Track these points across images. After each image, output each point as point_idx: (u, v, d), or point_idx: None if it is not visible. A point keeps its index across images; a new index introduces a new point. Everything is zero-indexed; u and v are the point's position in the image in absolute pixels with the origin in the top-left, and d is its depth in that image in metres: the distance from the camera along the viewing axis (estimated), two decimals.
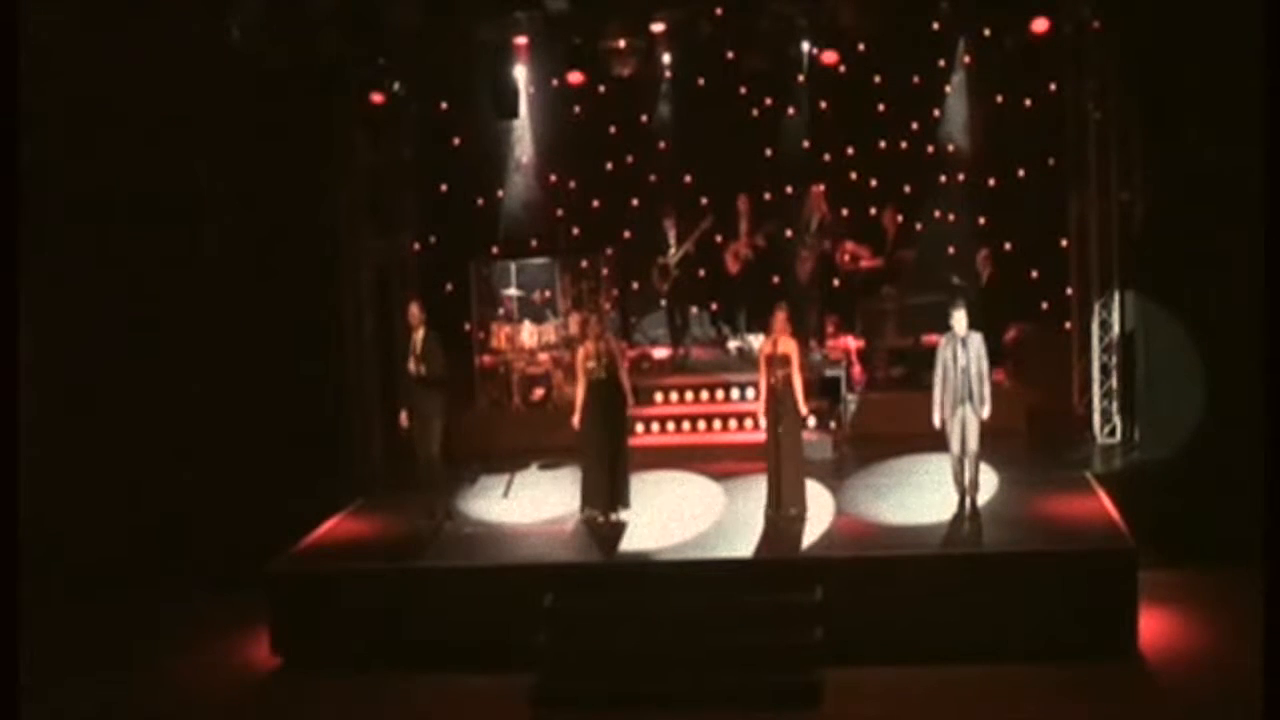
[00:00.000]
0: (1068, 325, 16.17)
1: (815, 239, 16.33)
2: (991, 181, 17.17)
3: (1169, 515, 12.65)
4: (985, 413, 11.96)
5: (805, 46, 15.82)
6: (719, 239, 16.97)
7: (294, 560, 12.25)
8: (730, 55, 16.43)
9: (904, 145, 17.41)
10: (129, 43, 13.97)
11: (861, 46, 16.54)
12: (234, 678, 11.67)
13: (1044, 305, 16.84)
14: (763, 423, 12.28)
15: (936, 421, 12.00)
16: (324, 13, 14.03)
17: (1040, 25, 14.56)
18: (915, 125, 17.33)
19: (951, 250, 16.89)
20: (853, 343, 16.72)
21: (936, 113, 17.11)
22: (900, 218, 16.72)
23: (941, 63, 16.93)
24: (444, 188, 17.71)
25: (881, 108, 17.43)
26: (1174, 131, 13.70)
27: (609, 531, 12.39)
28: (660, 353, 17.22)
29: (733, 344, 16.96)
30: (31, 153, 10.15)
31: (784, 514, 12.16)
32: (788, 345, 12.14)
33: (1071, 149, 15.71)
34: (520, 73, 15.72)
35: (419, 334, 12.62)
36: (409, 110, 16.31)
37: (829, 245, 16.38)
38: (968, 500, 12.16)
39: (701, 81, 17.44)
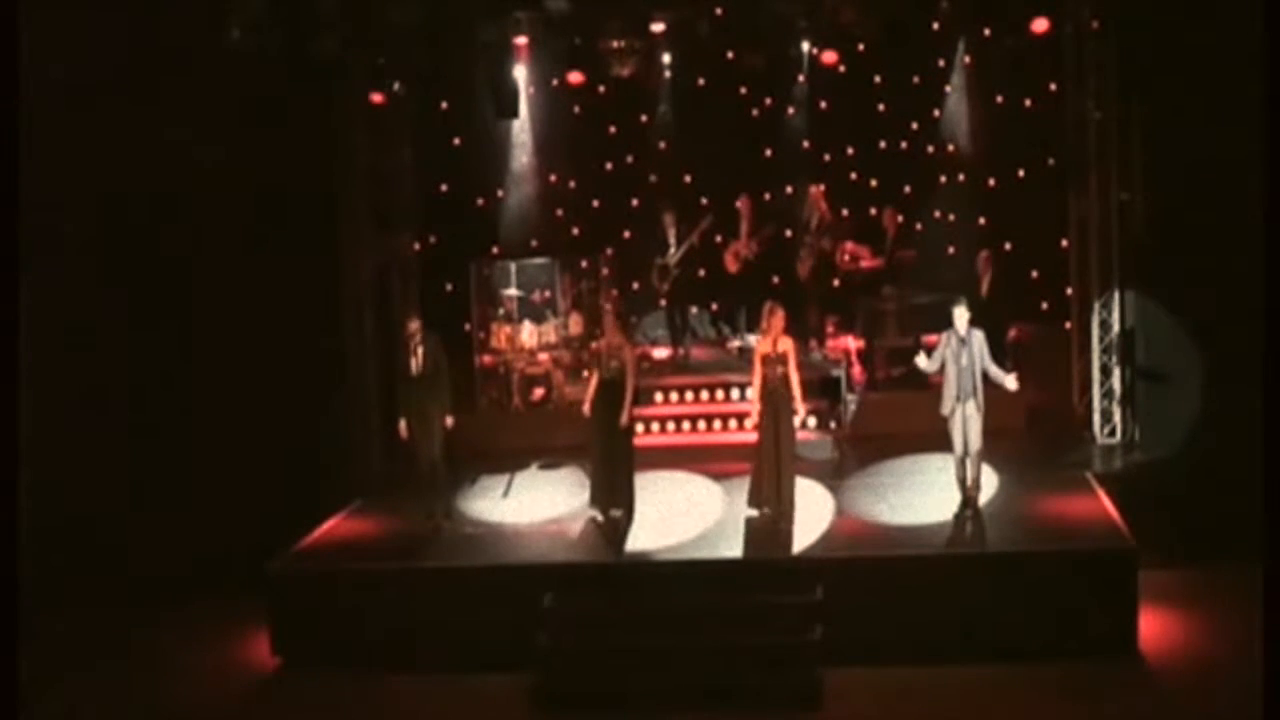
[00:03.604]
0: (1068, 325, 16.13)
1: (814, 238, 16.32)
2: (991, 182, 17.15)
3: (1169, 515, 12.66)
4: (1011, 384, 12.08)
5: (805, 46, 15.79)
6: (719, 239, 16.97)
7: (294, 560, 12.24)
8: (730, 55, 16.41)
9: (904, 145, 17.38)
10: (129, 42, 13.97)
11: (861, 46, 16.49)
12: (234, 678, 11.67)
13: (1044, 305, 16.81)
14: (755, 420, 12.26)
15: (946, 410, 11.96)
16: (324, 13, 14.03)
17: (1040, 25, 14.56)
18: (915, 125, 17.31)
19: (951, 250, 16.91)
20: (853, 343, 16.70)
21: (936, 113, 17.11)
22: (900, 218, 16.67)
23: (941, 63, 16.92)
24: (444, 188, 17.65)
25: (881, 108, 17.40)
26: (1174, 132, 13.69)
27: (609, 531, 12.39)
28: (660, 353, 17.20)
29: (733, 344, 16.97)
30: (31, 152, 10.15)
31: (765, 512, 12.13)
32: (785, 344, 12.16)
33: (1071, 149, 15.68)
34: (520, 73, 15.71)
35: (420, 347, 12.64)
36: (409, 110, 16.30)
37: (829, 245, 16.36)
38: (968, 500, 12.15)
39: (701, 81, 17.38)
